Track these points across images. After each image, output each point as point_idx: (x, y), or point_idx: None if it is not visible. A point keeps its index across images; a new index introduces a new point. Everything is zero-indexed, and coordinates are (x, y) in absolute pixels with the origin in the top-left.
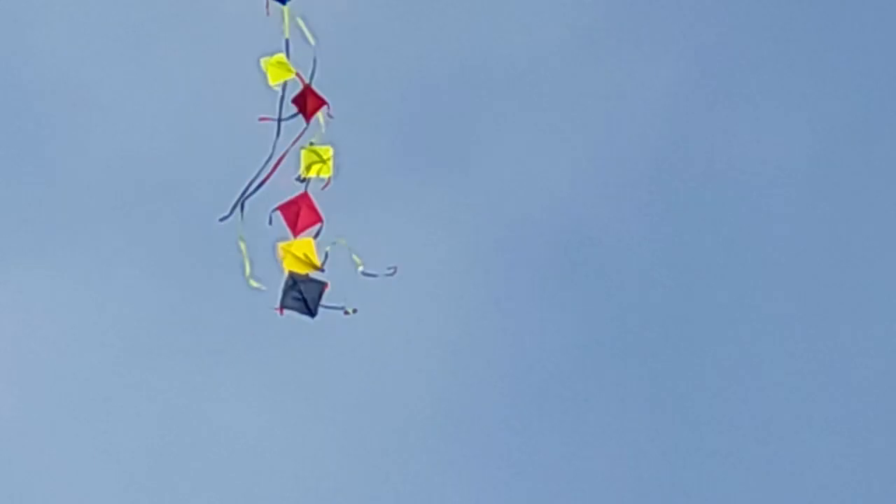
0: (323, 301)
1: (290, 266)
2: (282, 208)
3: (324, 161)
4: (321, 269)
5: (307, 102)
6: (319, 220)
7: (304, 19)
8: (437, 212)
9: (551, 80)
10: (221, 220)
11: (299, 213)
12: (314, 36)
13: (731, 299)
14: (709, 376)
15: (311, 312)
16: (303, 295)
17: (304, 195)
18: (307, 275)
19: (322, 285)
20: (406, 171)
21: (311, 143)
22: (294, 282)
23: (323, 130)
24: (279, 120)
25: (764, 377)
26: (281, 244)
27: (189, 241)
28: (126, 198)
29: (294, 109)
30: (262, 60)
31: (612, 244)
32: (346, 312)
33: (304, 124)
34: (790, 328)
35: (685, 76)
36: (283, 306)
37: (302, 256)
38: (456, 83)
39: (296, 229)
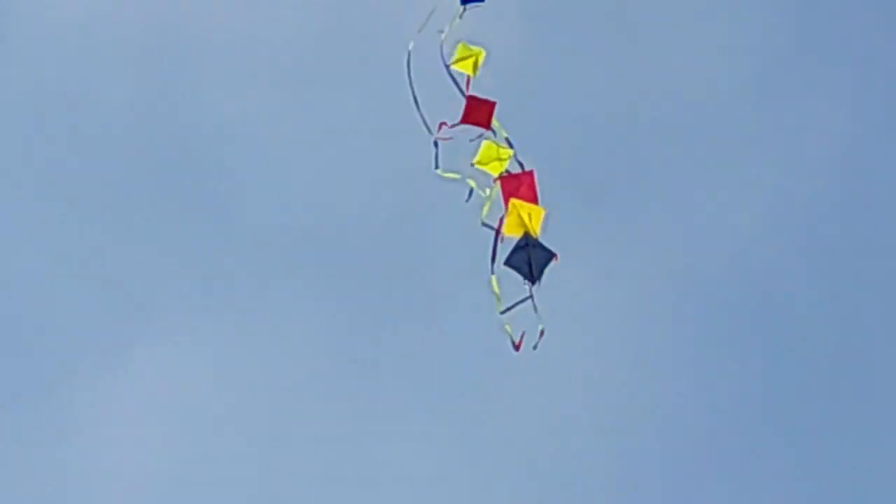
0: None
1: (510, 227)
2: (504, 180)
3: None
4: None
5: (478, 111)
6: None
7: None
8: (611, 261)
9: (726, 126)
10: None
11: (520, 189)
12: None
13: None
14: (885, 440)
15: (533, 277)
16: (530, 258)
17: (529, 173)
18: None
19: (552, 255)
20: (580, 220)
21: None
22: (527, 243)
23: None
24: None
25: None
26: (515, 200)
27: (364, 288)
28: (301, 247)
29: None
30: (461, 45)
31: (787, 297)
32: (516, 347)
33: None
34: None
35: (862, 119)
36: (508, 263)
37: (527, 219)
38: (631, 132)
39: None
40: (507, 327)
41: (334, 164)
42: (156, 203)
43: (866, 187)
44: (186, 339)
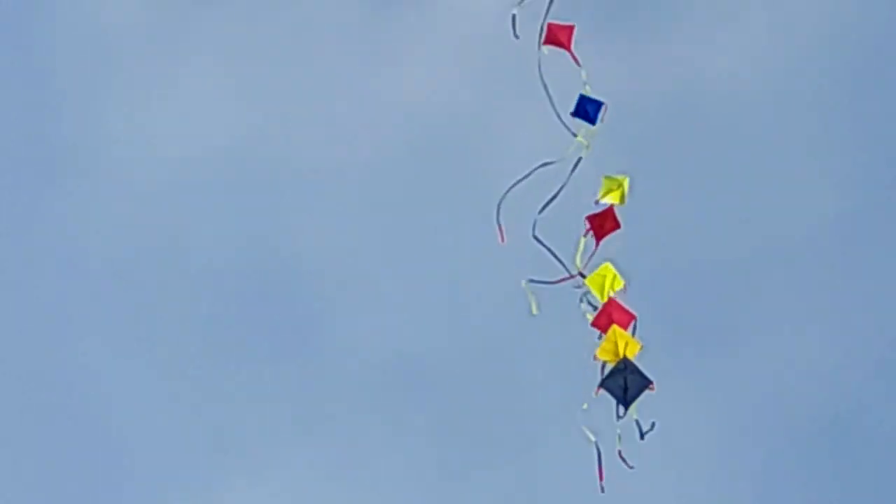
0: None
1: (604, 351)
2: (595, 321)
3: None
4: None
5: (605, 224)
6: (633, 317)
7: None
8: (705, 390)
9: (815, 263)
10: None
11: (612, 317)
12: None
13: None
14: None
15: (626, 403)
16: (626, 384)
17: (611, 301)
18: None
19: (647, 382)
20: (675, 350)
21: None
22: (625, 366)
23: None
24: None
25: None
26: (616, 328)
27: (457, 427)
28: (392, 384)
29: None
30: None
31: (872, 428)
32: (642, 436)
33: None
34: None
35: None
36: (603, 385)
37: (622, 349)
38: (723, 267)
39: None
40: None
41: (427, 301)
42: (248, 339)
43: None
44: (275, 478)
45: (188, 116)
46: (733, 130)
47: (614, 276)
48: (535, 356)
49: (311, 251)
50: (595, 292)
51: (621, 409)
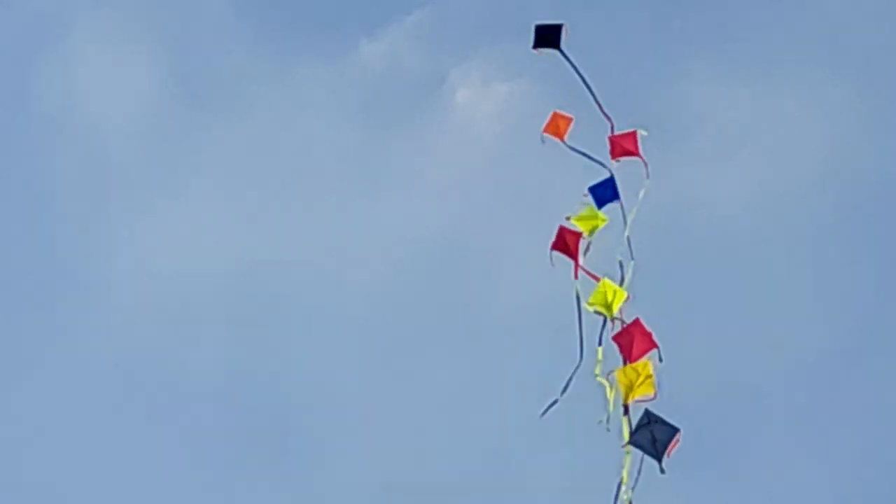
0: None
1: (625, 393)
2: (616, 338)
3: (644, 378)
4: (653, 395)
5: (633, 345)
6: (654, 345)
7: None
8: None
9: (809, 393)
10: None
11: (633, 341)
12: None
13: None
14: None
15: (659, 456)
16: (654, 435)
17: (637, 322)
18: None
19: (675, 431)
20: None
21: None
22: (649, 420)
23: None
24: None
25: None
26: (618, 370)
27: None
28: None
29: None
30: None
31: None
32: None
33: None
34: None
35: None
36: (632, 442)
37: (636, 379)
38: (722, 396)
39: (631, 356)
40: None
41: (422, 432)
42: (242, 464)
43: None
44: None
45: (188, 241)
46: (736, 257)
47: (615, 290)
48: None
49: (307, 378)
50: (601, 309)
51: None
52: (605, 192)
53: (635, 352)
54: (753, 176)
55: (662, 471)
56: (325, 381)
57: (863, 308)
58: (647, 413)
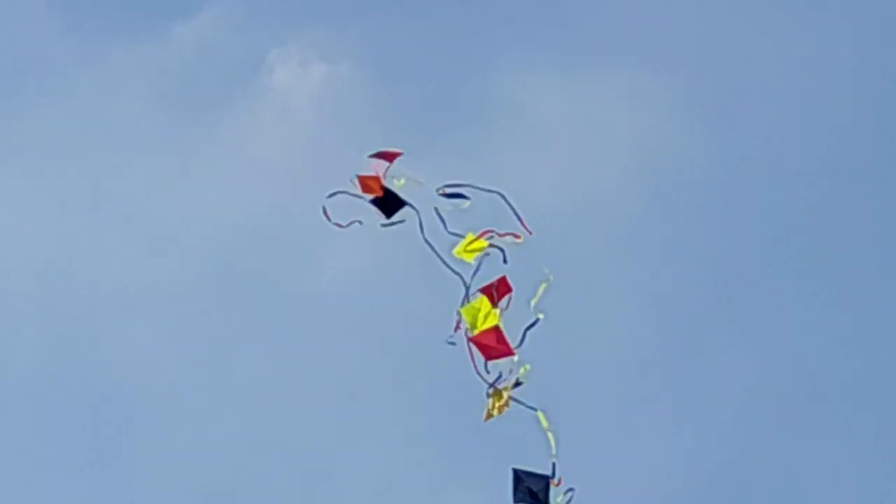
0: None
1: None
2: (474, 339)
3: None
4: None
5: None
6: (511, 352)
7: None
8: None
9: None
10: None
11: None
12: None
13: None
14: None
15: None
16: (531, 489)
17: (496, 328)
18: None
19: (547, 479)
20: None
21: None
22: (519, 478)
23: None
24: None
25: None
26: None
27: None
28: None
29: None
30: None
31: None
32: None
33: None
34: None
35: (760, 383)
36: (516, 501)
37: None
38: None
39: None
40: None
41: (244, 419)
42: (58, 451)
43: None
44: None
45: None
46: (550, 247)
47: (489, 312)
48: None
49: (123, 368)
50: (467, 324)
51: None
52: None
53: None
54: (566, 167)
55: None
56: (142, 372)
57: (676, 301)
58: (515, 472)
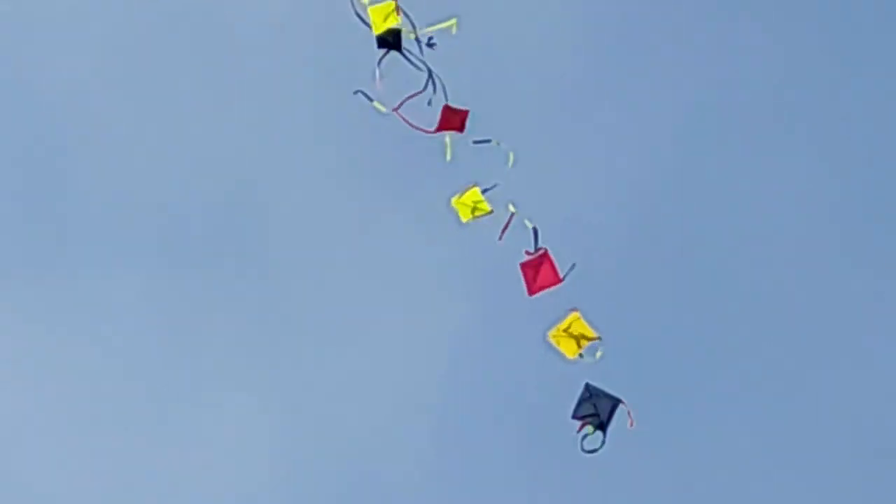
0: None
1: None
2: (523, 266)
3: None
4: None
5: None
6: (559, 280)
7: None
8: None
9: None
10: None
11: (539, 271)
12: None
13: None
14: None
15: (604, 427)
16: (597, 409)
17: (545, 254)
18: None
19: (616, 402)
20: None
21: None
22: (590, 394)
23: None
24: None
25: None
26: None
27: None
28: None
29: None
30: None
31: None
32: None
33: None
34: None
35: None
36: (576, 416)
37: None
38: None
39: (533, 288)
40: None
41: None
42: None
43: None
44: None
45: None
46: None
47: (479, 201)
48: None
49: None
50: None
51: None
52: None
53: (539, 284)
54: None
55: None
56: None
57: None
58: (587, 387)
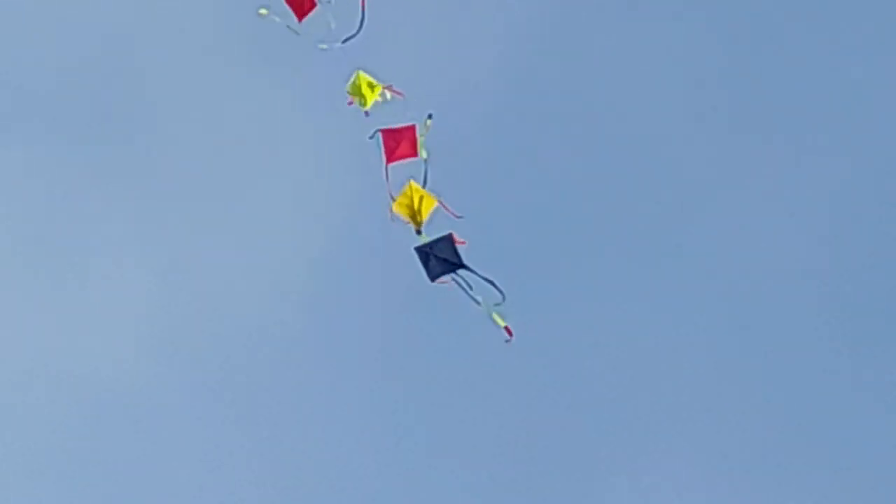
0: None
1: (399, 206)
2: (384, 133)
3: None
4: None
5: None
6: (415, 154)
7: None
8: None
9: None
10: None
11: (399, 143)
12: None
13: None
14: None
15: (461, 264)
16: (444, 257)
17: (411, 128)
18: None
19: (449, 238)
20: None
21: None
22: (426, 254)
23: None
24: None
25: None
26: (413, 184)
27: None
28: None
29: None
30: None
31: None
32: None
33: None
34: None
35: None
36: (432, 278)
37: (417, 204)
38: None
39: (392, 157)
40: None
41: None
42: None
43: None
44: None
45: None
46: None
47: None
48: None
49: None
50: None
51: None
52: None
53: (397, 154)
54: None
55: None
56: None
57: None
58: (418, 249)
